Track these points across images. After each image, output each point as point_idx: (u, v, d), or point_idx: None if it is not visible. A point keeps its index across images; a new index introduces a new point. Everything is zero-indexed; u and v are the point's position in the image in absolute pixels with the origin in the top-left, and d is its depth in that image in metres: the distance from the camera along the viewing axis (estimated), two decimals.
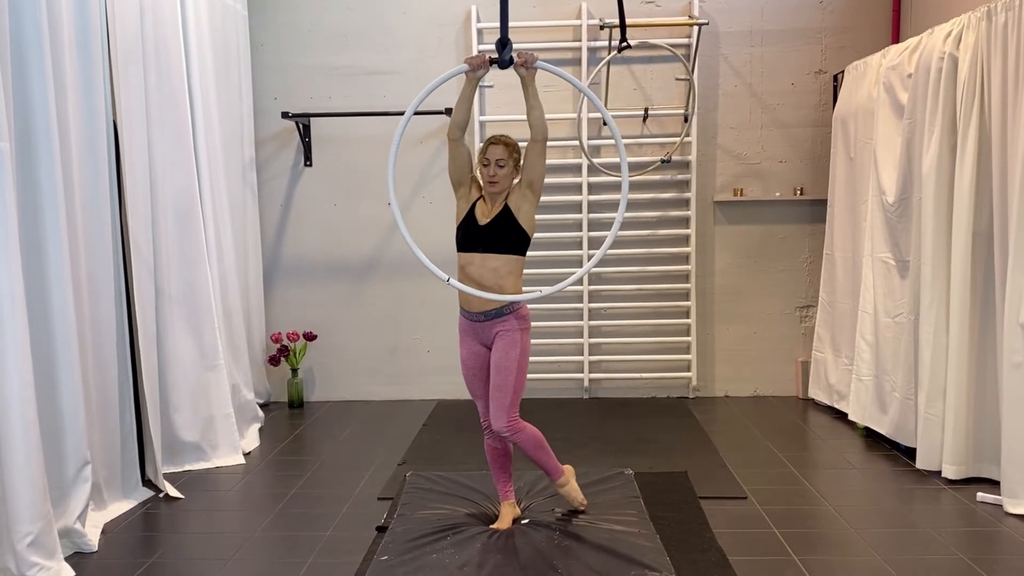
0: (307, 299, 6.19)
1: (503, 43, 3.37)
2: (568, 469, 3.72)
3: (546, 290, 3.62)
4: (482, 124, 5.93)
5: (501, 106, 5.94)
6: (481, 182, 3.48)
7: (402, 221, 3.34)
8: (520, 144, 3.51)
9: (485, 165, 3.42)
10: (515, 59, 3.36)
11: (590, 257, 5.93)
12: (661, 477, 4.29)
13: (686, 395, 6.11)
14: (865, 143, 5.07)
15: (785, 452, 4.79)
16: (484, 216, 3.43)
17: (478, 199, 3.49)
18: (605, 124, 5.95)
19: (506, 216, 3.39)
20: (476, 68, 3.40)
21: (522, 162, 3.45)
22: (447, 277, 3.35)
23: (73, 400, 3.60)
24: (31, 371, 3.25)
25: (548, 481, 3.74)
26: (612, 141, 6.00)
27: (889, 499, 4.09)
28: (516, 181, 3.47)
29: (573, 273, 5.73)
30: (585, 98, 5.69)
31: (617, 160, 5.93)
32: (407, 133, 5.90)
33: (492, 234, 3.39)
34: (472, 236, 3.43)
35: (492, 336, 3.45)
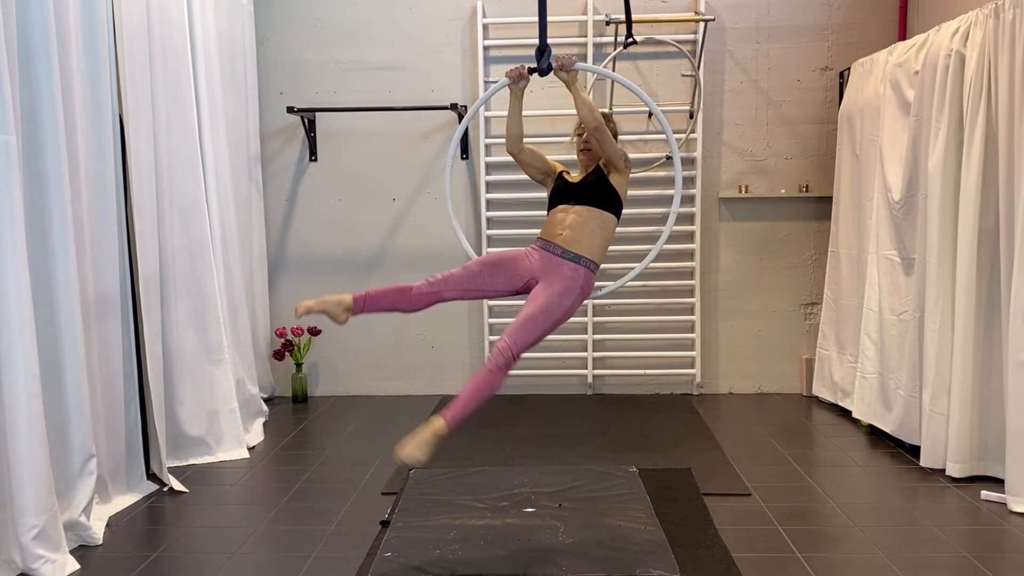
0: (312, 294, 6.10)
1: (541, 50, 3.37)
2: (441, 424, 3.22)
3: (607, 286, 3.72)
4: (497, 120, 5.93)
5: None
6: (576, 155, 3.59)
7: (458, 225, 3.63)
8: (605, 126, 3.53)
9: (579, 135, 3.55)
10: (553, 65, 3.38)
11: None
12: (664, 474, 4.29)
13: (690, 392, 6.11)
14: (871, 140, 5.05)
15: (789, 449, 4.79)
16: (575, 179, 3.53)
17: (563, 171, 3.60)
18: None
19: (598, 175, 3.46)
20: (516, 80, 3.43)
21: None
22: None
23: (78, 394, 3.60)
24: (37, 364, 3.26)
25: (440, 414, 3.24)
26: (623, 136, 5.97)
27: (893, 497, 4.09)
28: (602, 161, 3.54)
29: None
30: (591, 93, 5.68)
31: (630, 155, 5.92)
32: (411, 128, 5.99)
33: (583, 189, 3.44)
34: (564, 192, 3.49)
35: (552, 273, 3.32)
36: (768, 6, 5.89)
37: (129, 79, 4.10)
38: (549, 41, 5.82)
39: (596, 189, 3.43)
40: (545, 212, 3.60)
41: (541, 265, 3.37)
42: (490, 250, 5.96)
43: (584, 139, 3.52)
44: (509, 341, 3.19)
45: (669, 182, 5.96)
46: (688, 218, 5.97)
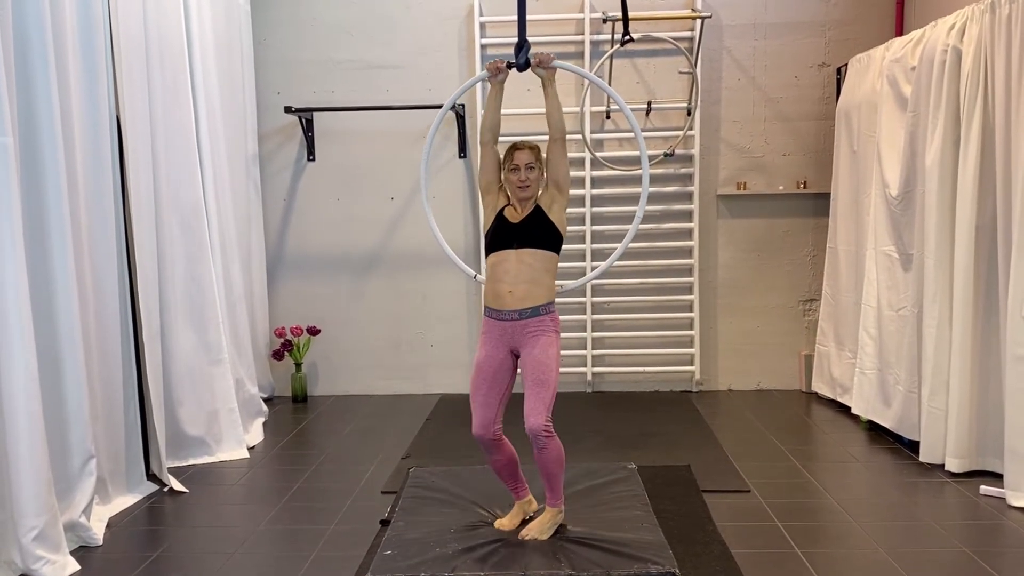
0: (310, 293, 6.20)
1: (520, 46, 3.38)
2: (557, 510, 3.45)
3: (568, 284, 3.78)
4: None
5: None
6: (509, 189, 3.42)
7: (434, 220, 3.53)
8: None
9: (514, 171, 3.37)
10: (531, 61, 3.37)
11: (593, 252, 5.93)
12: (664, 471, 4.29)
13: (689, 389, 6.11)
14: (868, 136, 5.06)
15: (788, 446, 4.79)
16: (515, 217, 3.39)
17: (505, 206, 3.43)
18: (608, 117, 5.97)
19: (538, 215, 3.36)
20: (495, 74, 3.39)
21: (545, 163, 3.42)
22: (475, 273, 3.36)
23: (78, 394, 3.61)
24: (36, 366, 3.26)
25: (547, 502, 3.44)
26: (614, 135, 6.00)
27: (892, 492, 4.10)
28: (543, 183, 3.43)
29: (577, 268, 5.84)
30: (587, 92, 5.69)
31: (620, 154, 5.94)
32: (409, 127, 5.99)
33: (525, 231, 3.34)
34: (505, 234, 3.36)
35: (523, 337, 3.33)
36: (765, 3, 5.89)
37: (126, 80, 4.10)
38: (547, 38, 5.89)
39: (537, 230, 3.34)
40: None
41: (509, 336, 3.35)
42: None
43: (523, 179, 3.34)
44: (535, 419, 3.21)
45: (665, 180, 5.97)
46: (686, 215, 5.97)
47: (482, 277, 3.44)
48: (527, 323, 3.32)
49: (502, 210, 3.42)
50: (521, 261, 3.32)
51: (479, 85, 5.78)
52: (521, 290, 3.31)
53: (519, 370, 3.39)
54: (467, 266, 3.76)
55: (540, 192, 3.42)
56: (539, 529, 3.39)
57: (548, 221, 3.36)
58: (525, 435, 3.23)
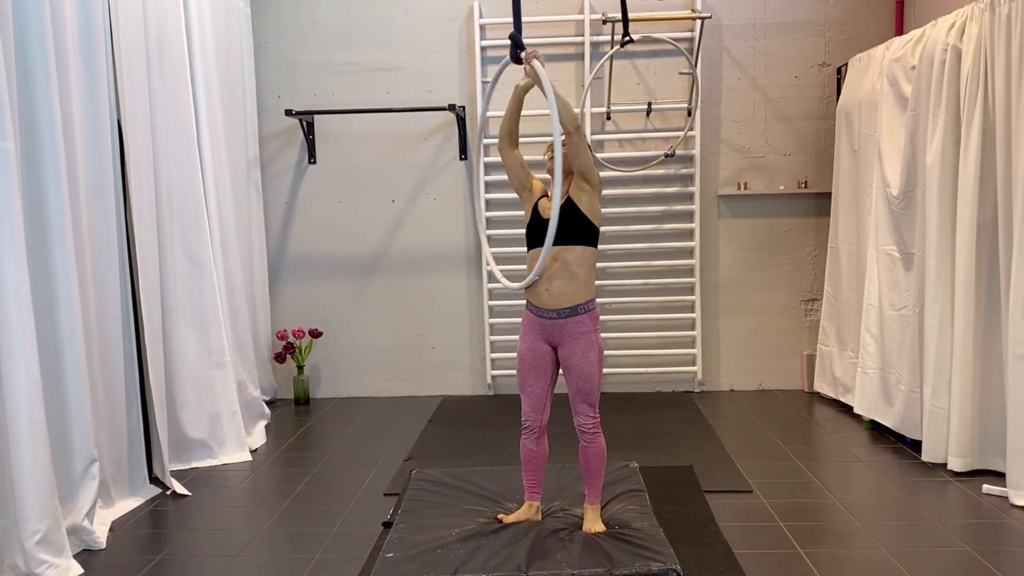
0: (312, 296, 6.21)
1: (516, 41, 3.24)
2: (596, 507, 3.54)
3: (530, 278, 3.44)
4: (488, 120, 5.92)
5: (500, 101, 5.93)
6: (549, 173, 3.35)
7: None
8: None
9: (552, 157, 3.31)
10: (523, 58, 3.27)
11: None
12: (666, 471, 4.30)
13: (691, 389, 6.11)
14: (869, 136, 5.06)
15: (790, 445, 4.79)
16: (547, 211, 3.37)
17: (541, 198, 3.44)
18: (609, 118, 5.96)
19: (569, 207, 3.32)
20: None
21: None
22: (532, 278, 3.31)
23: (80, 398, 3.61)
24: (38, 370, 3.26)
25: (585, 500, 3.51)
26: (615, 136, 5.99)
27: (895, 492, 4.09)
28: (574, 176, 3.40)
29: None
30: (588, 93, 5.68)
31: (621, 155, 5.94)
32: (410, 129, 5.99)
33: (558, 226, 3.26)
34: (538, 231, 3.31)
35: (562, 336, 3.34)
36: (764, 3, 5.89)
37: (127, 84, 4.11)
38: (546, 40, 5.86)
39: (569, 224, 3.28)
40: None
41: (549, 332, 3.37)
42: (489, 251, 5.92)
43: (551, 163, 3.26)
44: (583, 419, 3.40)
45: (668, 180, 5.97)
46: (687, 216, 5.97)
47: (515, 284, 3.37)
48: (566, 323, 3.34)
49: (537, 204, 3.43)
50: (554, 258, 3.30)
51: (476, 86, 5.80)
52: (556, 287, 3.31)
53: (561, 370, 3.44)
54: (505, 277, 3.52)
55: (571, 182, 3.37)
56: (596, 524, 3.47)
57: (579, 212, 3.32)
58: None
